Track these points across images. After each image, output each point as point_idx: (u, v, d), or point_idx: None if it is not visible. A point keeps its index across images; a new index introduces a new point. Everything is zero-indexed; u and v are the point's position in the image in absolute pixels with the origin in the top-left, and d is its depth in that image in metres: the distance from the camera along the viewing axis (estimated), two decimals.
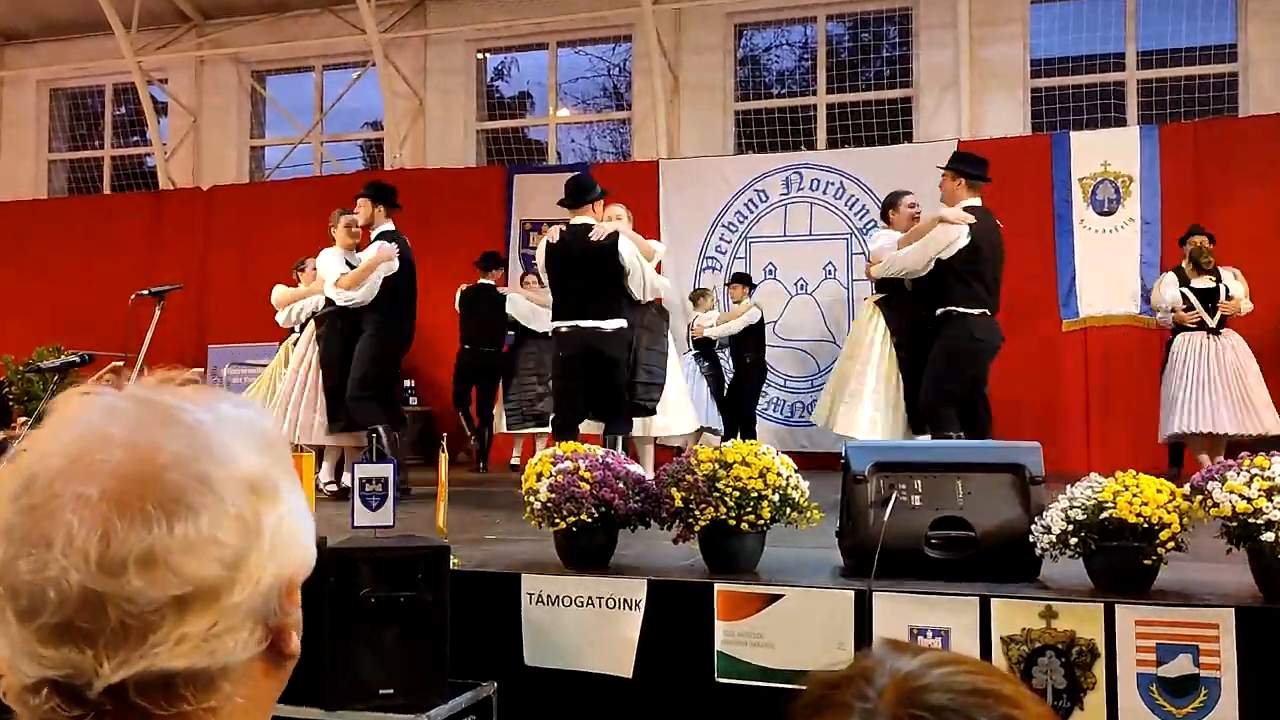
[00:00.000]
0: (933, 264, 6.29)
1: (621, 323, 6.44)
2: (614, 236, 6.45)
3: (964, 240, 6.21)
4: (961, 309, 6.23)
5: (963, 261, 6.24)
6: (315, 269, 7.73)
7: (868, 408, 6.53)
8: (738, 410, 9.76)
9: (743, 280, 10.24)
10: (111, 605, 0.76)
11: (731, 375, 9.94)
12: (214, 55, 13.13)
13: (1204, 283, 8.24)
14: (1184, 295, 8.26)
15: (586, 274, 6.42)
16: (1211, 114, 10.23)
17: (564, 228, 6.48)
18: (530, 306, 9.53)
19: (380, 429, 6.77)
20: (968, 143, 10.33)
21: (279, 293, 8.11)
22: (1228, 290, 8.17)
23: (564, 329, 6.36)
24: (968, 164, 6.47)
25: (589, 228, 6.47)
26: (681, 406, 7.12)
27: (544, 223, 11.50)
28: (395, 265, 6.94)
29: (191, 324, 12.01)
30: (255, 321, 11.41)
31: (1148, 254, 9.67)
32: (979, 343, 6.24)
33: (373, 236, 7.19)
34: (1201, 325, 8.17)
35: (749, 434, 9.28)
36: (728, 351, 9.96)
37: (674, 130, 11.60)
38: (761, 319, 9.89)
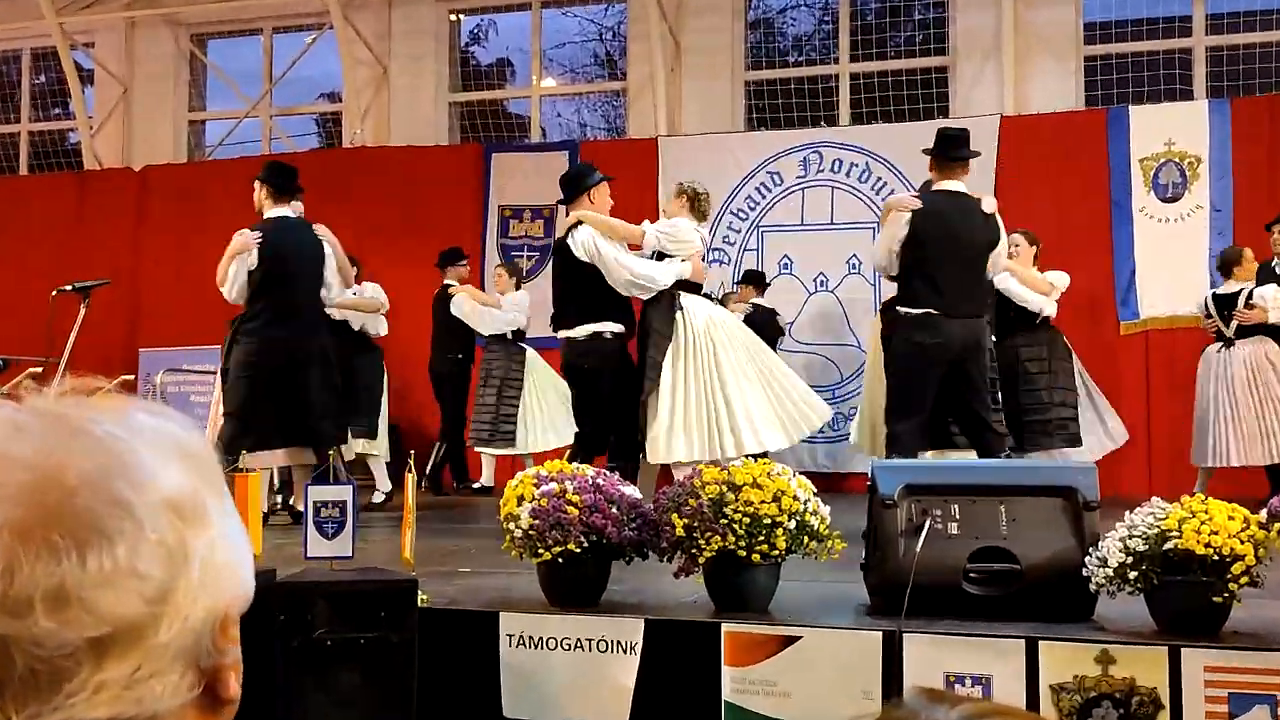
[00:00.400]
0: (895, 258, 6.39)
1: (599, 327, 6.47)
2: (574, 227, 6.52)
3: (904, 230, 6.27)
4: (903, 308, 6.36)
5: (909, 254, 6.34)
6: None
7: None
8: None
9: (755, 281, 10.24)
10: (18, 650, 0.76)
11: None
12: (147, 16, 13.13)
13: (1229, 287, 8.33)
14: (1205, 301, 8.38)
15: (560, 276, 6.55)
16: None
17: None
18: (474, 307, 9.56)
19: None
20: (1011, 118, 10.36)
21: None
22: (1249, 296, 8.17)
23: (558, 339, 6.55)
24: (938, 143, 6.51)
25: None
26: None
27: (525, 209, 11.51)
28: (254, 260, 6.87)
29: (121, 324, 12.00)
30: (194, 322, 11.39)
31: (1218, 245, 9.68)
32: (916, 347, 6.27)
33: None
34: (1219, 336, 8.25)
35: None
36: None
37: (675, 103, 11.61)
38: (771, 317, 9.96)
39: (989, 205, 6.45)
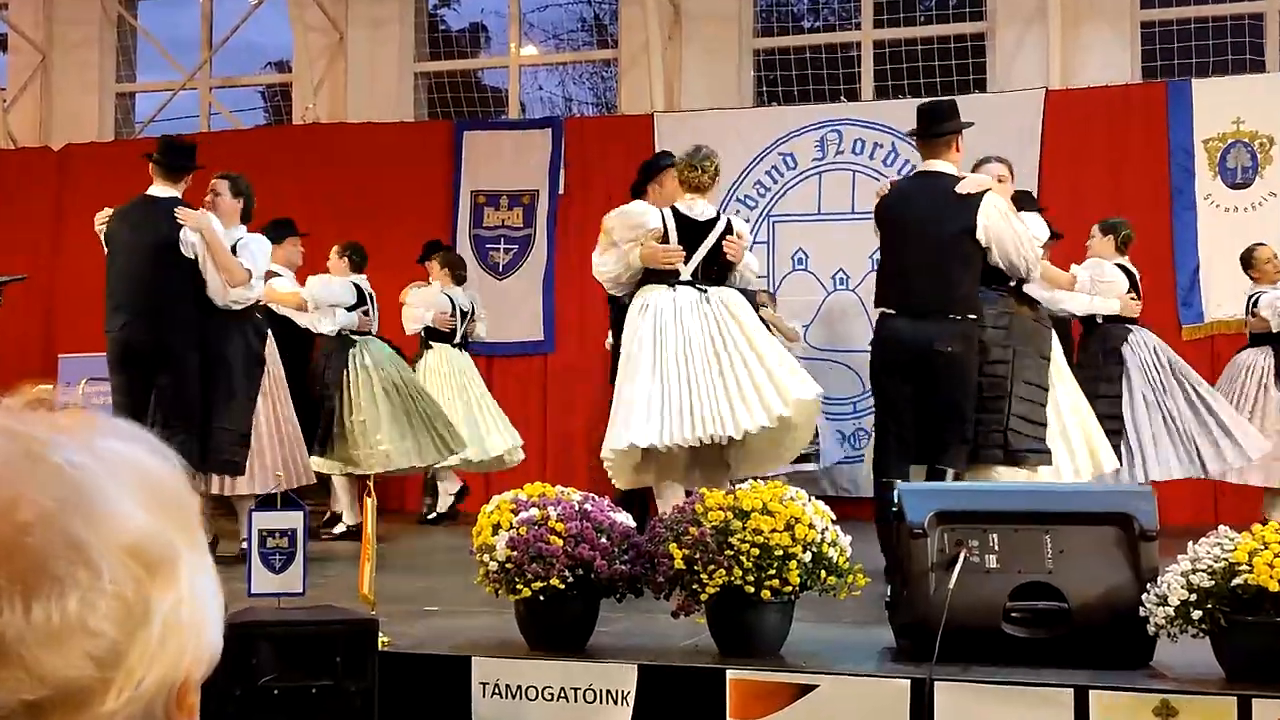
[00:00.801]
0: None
1: None
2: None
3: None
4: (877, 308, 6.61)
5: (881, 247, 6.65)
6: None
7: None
8: None
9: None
10: None
11: None
12: None
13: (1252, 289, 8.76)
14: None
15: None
16: None
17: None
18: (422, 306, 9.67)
19: None
20: (1058, 92, 10.39)
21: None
22: (1254, 302, 8.58)
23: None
24: (917, 119, 6.58)
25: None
26: None
27: (502, 194, 11.53)
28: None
29: (37, 325, 11.99)
30: None
31: None
32: (874, 350, 6.43)
33: None
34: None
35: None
36: None
37: (674, 75, 11.63)
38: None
39: (968, 185, 6.39)
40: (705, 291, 6.56)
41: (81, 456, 0.81)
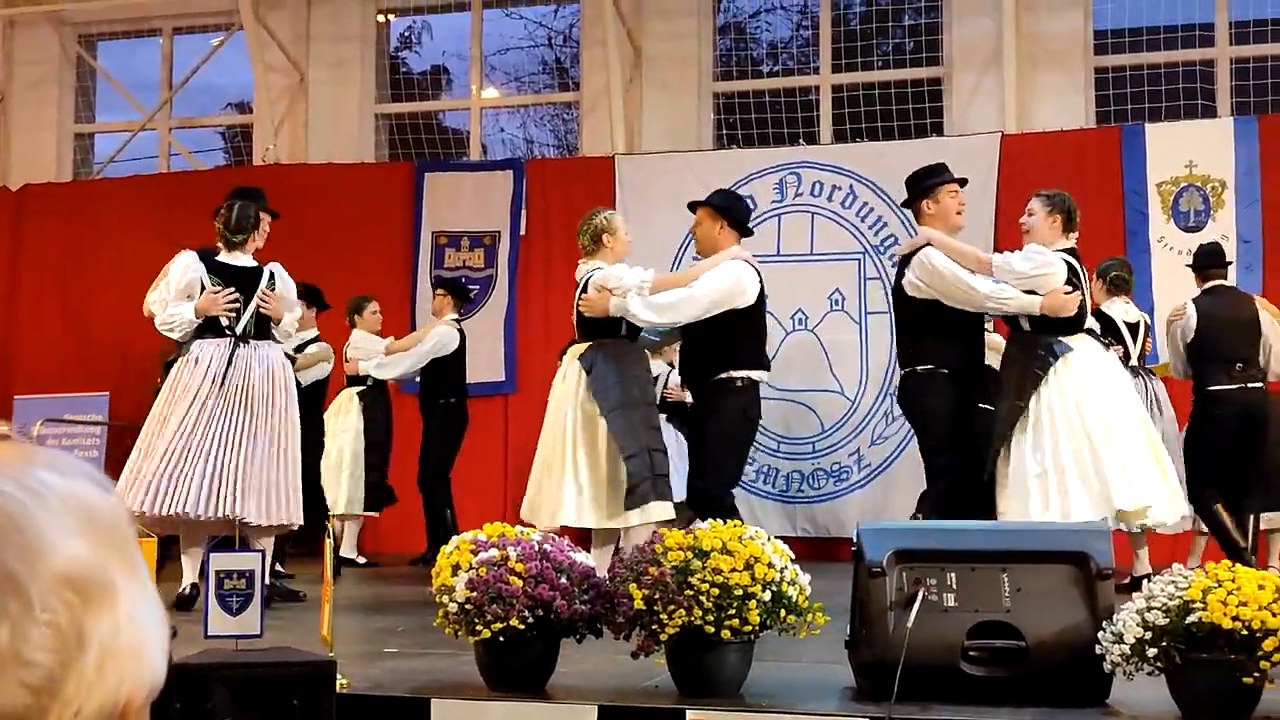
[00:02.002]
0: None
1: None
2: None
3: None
4: None
5: None
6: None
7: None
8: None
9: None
10: None
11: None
12: (28, 14, 13.09)
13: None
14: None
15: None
16: None
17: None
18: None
19: None
20: (1014, 136, 10.51)
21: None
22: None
23: (763, 382, 6.74)
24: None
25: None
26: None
27: (463, 235, 11.54)
28: None
29: None
30: (78, 366, 11.31)
31: (1246, 281, 9.83)
32: None
33: None
34: None
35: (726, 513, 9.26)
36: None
37: (634, 118, 11.70)
38: None
39: (904, 245, 6.61)
40: None
41: (15, 488, 0.82)
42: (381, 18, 12.81)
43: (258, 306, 6.78)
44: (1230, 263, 8.49)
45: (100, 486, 0.87)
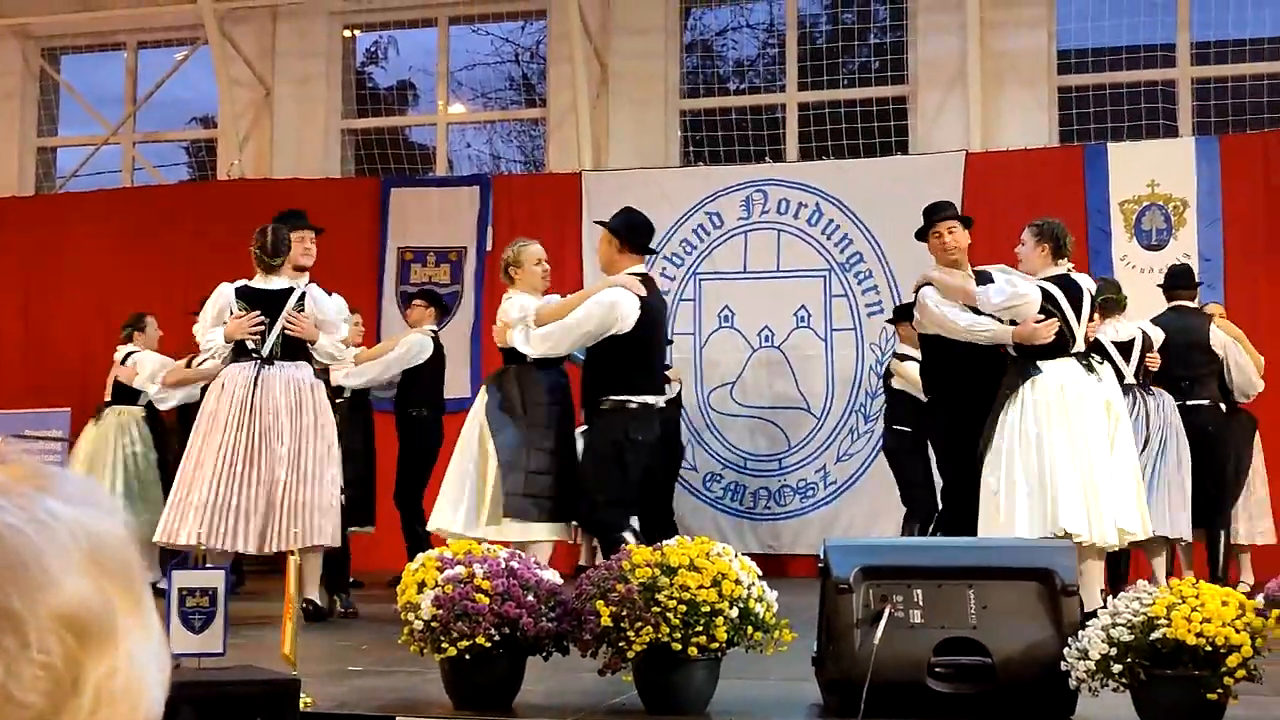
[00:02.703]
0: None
1: None
2: None
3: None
4: None
5: None
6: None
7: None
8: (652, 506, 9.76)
9: None
10: None
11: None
12: None
13: None
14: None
15: (661, 338, 7.07)
16: None
17: (639, 276, 6.68)
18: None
19: None
20: (978, 155, 10.57)
21: None
22: None
23: (650, 405, 6.66)
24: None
25: (649, 278, 6.85)
26: None
27: (429, 251, 11.51)
28: None
29: None
30: (41, 380, 11.21)
31: (1207, 300, 9.90)
32: None
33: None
34: None
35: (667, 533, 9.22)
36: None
37: (601, 134, 11.70)
38: (679, 392, 9.92)
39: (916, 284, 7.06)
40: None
41: (17, 519, 0.80)
42: (348, 33, 12.79)
43: (284, 328, 6.85)
44: (1200, 284, 8.60)
45: (111, 517, 0.85)
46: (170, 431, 8.98)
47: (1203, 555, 8.29)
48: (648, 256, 6.95)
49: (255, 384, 6.72)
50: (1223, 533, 8.13)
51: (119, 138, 13.00)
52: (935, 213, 7.07)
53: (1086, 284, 6.77)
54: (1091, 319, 6.66)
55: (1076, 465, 6.25)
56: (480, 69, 12.72)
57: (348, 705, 4.15)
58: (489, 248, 11.29)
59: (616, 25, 11.82)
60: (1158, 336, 7.96)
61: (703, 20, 12.39)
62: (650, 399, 6.63)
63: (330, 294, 7.29)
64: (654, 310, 6.68)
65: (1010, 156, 10.56)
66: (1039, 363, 6.41)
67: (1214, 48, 10.96)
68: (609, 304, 6.51)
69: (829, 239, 10.76)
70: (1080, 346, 6.57)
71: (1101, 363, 6.71)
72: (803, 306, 10.75)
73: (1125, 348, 7.91)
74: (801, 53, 11.74)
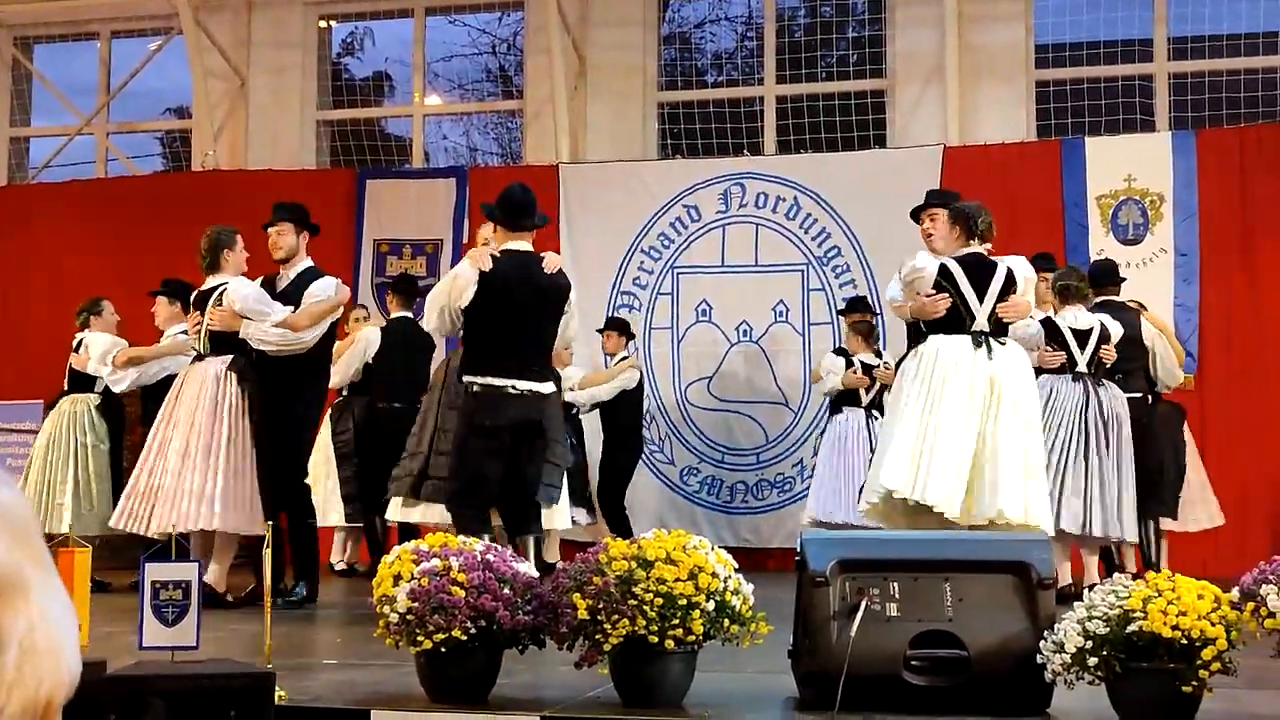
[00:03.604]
0: None
1: (554, 386, 6.62)
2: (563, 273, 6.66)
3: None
4: None
5: None
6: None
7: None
8: (609, 497, 9.78)
9: (619, 328, 10.18)
10: None
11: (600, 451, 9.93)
12: None
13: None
14: None
15: (530, 319, 6.47)
16: (1262, 118, 10.64)
17: (496, 252, 6.47)
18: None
19: None
20: (956, 149, 10.60)
21: None
22: None
23: (497, 388, 6.34)
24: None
25: (535, 257, 6.53)
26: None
27: (405, 243, 11.48)
28: None
29: None
30: (13, 372, 11.14)
31: (1184, 294, 9.97)
32: None
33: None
34: None
35: (621, 530, 9.22)
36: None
37: (578, 127, 11.70)
38: (641, 381, 9.92)
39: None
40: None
41: None
42: (324, 23, 12.75)
43: (207, 324, 7.16)
44: (1124, 280, 8.62)
45: (7, 486, 0.87)
46: (134, 420, 8.90)
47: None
48: (530, 233, 6.62)
49: (184, 379, 7.19)
50: (1152, 523, 8.21)
51: (92, 128, 12.94)
52: (920, 206, 7.19)
53: (1021, 268, 6.84)
54: (1004, 299, 6.65)
55: (918, 431, 6.44)
56: (457, 60, 12.71)
57: (323, 699, 4.14)
58: (465, 240, 11.27)
59: (594, 17, 11.81)
60: (1116, 331, 7.98)
61: (681, 13, 12.40)
62: (498, 381, 6.30)
63: (321, 275, 7.63)
64: (504, 284, 6.31)
65: (988, 150, 10.59)
66: (930, 336, 6.66)
67: (1191, 43, 11.02)
68: (450, 276, 6.57)
69: (807, 233, 10.78)
70: (981, 325, 6.62)
71: (1004, 343, 6.73)
72: (780, 300, 10.77)
73: (1083, 336, 7.91)
74: (779, 46, 11.75)
